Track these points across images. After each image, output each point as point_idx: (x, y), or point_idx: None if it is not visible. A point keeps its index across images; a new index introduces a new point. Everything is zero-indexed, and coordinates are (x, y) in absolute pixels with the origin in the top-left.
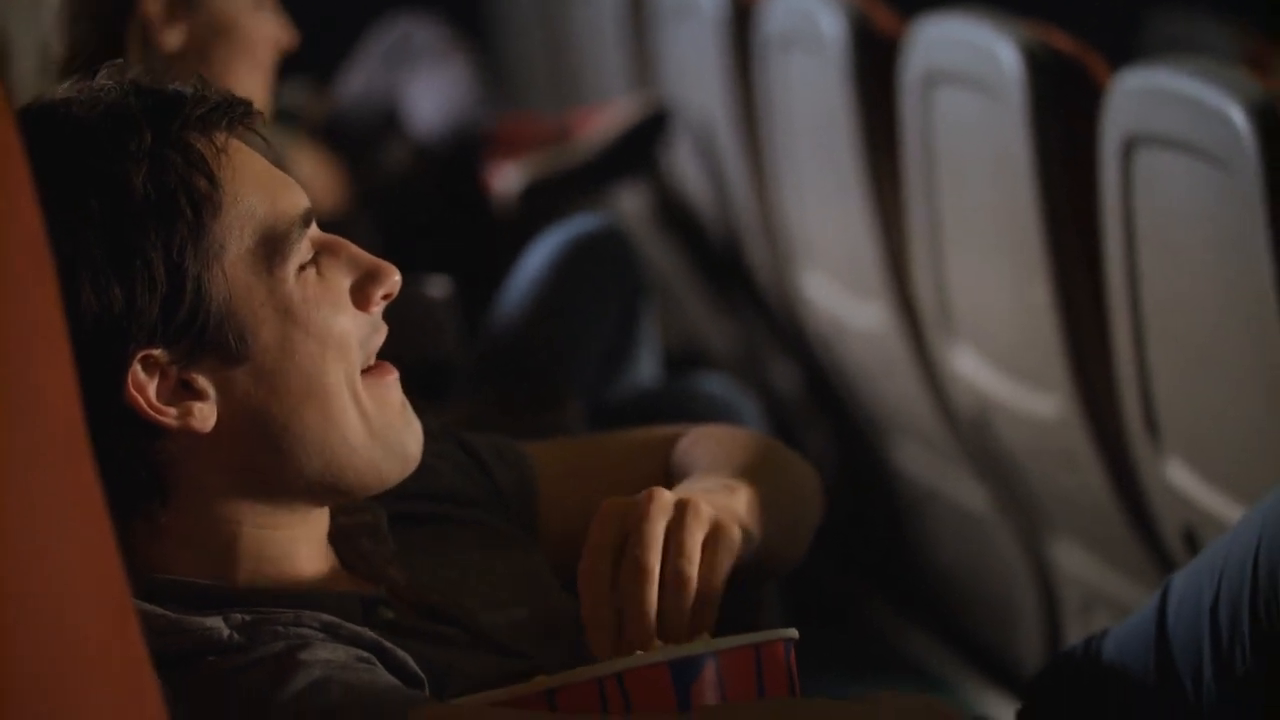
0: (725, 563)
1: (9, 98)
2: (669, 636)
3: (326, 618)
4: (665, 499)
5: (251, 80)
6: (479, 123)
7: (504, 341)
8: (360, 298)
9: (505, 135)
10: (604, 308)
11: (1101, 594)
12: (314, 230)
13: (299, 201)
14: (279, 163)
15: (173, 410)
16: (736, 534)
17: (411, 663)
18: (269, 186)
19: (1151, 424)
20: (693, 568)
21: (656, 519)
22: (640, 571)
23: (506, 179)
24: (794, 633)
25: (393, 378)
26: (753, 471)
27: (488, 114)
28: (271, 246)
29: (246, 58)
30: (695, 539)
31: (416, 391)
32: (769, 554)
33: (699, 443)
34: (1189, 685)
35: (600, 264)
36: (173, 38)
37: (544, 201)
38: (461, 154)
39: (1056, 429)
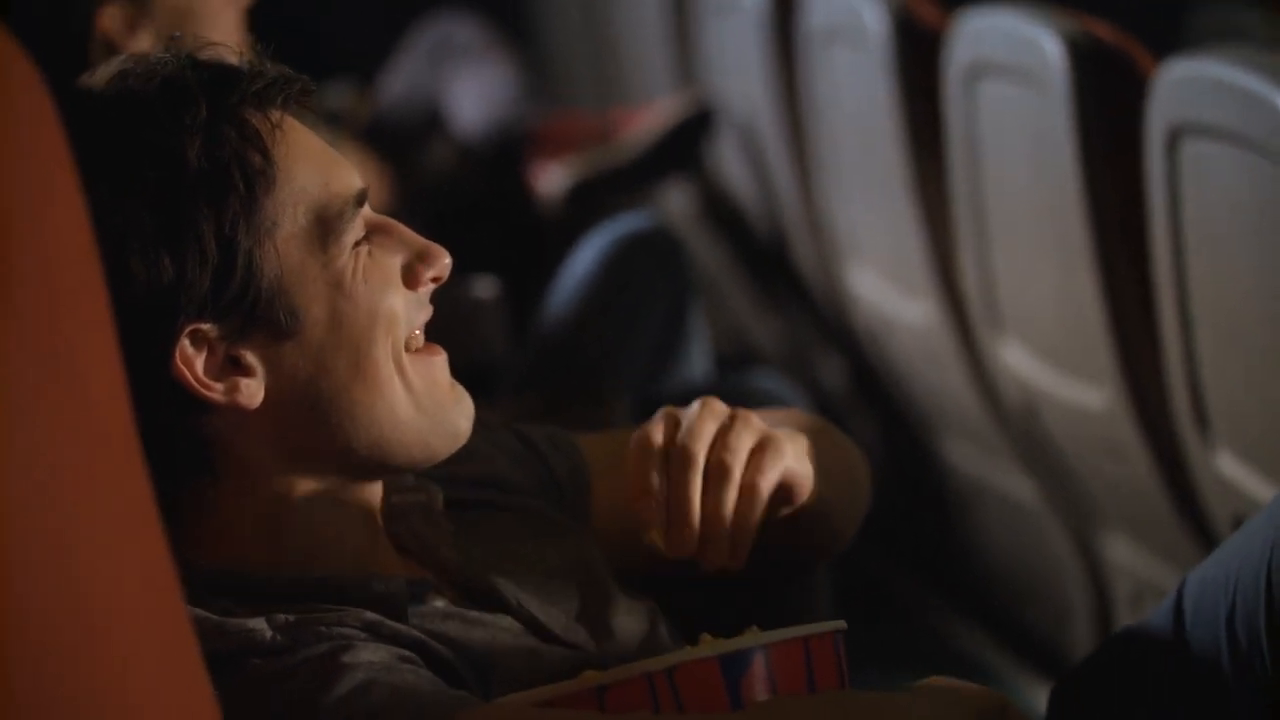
0: (772, 470)
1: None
2: (709, 526)
3: (370, 616)
4: (719, 406)
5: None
6: (521, 120)
7: (553, 340)
8: (410, 277)
9: (550, 134)
10: (652, 306)
11: (1151, 585)
12: (367, 211)
13: (353, 181)
14: (332, 141)
15: (220, 385)
16: (786, 448)
17: (455, 661)
18: (323, 165)
19: (1200, 415)
20: (736, 461)
21: (707, 419)
22: (686, 458)
23: (552, 179)
24: (842, 624)
25: (441, 358)
26: (809, 435)
27: (530, 111)
28: (325, 225)
29: (214, 22)
30: (743, 440)
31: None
32: (824, 514)
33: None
34: (1211, 685)
35: (648, 262)
36: (138, 44)
37: (590, 201)
38: (504, 152)
39: (1104, 421)
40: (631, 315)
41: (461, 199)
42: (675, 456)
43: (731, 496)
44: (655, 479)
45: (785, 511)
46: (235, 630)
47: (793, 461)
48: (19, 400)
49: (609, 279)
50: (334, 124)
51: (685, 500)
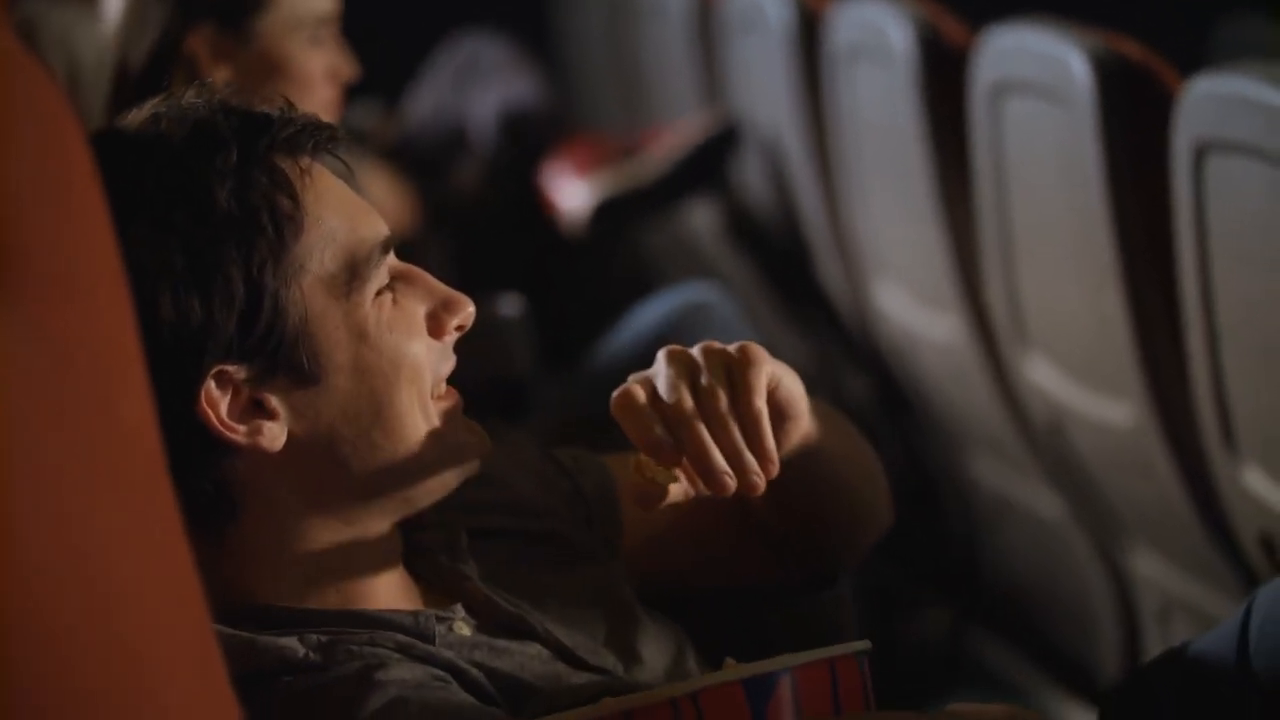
0: (757, 384)
1: (83, 120)
2: (734, 462)
3: (402, 638)
4: (678, 350)
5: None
6: (540, 132)
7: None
8: (434, 326)
9: (575, 153)
10: None
11: (1179, 601)
12: (392, 259)
13: (379, 229)
14: (359, 189)
15: (242, 428)
16: (762, 355)
17: (486, 683)
18: (350, 211)
19: (1228, 431)
20: (721, 393)
21: (676, 365)
22: (680, 414)
23: (577, 198)
24: (867, 645)
25: (459, 402)
26: (825, 416)
27: (550, 123)
28: (351, 271)
29: (301, 93)
30: (717, 370)
31: (489, 409)
32: (835, 478)
33: None
34: (1273, 704)
35: (707, 329)
36: (219, 75)
37: (615, 219)
38: (521, 163)
39: (1131, 437)
40: None
41: (488, 218)
42: (670, 418)
43: (735, 428)
44: (659, 430)
45: (789, 427)
46: (267, 648)
47: (773, 367)
48: (46, 416)
49: (666, 340)
50: (360, 143)
51: (703, 454)
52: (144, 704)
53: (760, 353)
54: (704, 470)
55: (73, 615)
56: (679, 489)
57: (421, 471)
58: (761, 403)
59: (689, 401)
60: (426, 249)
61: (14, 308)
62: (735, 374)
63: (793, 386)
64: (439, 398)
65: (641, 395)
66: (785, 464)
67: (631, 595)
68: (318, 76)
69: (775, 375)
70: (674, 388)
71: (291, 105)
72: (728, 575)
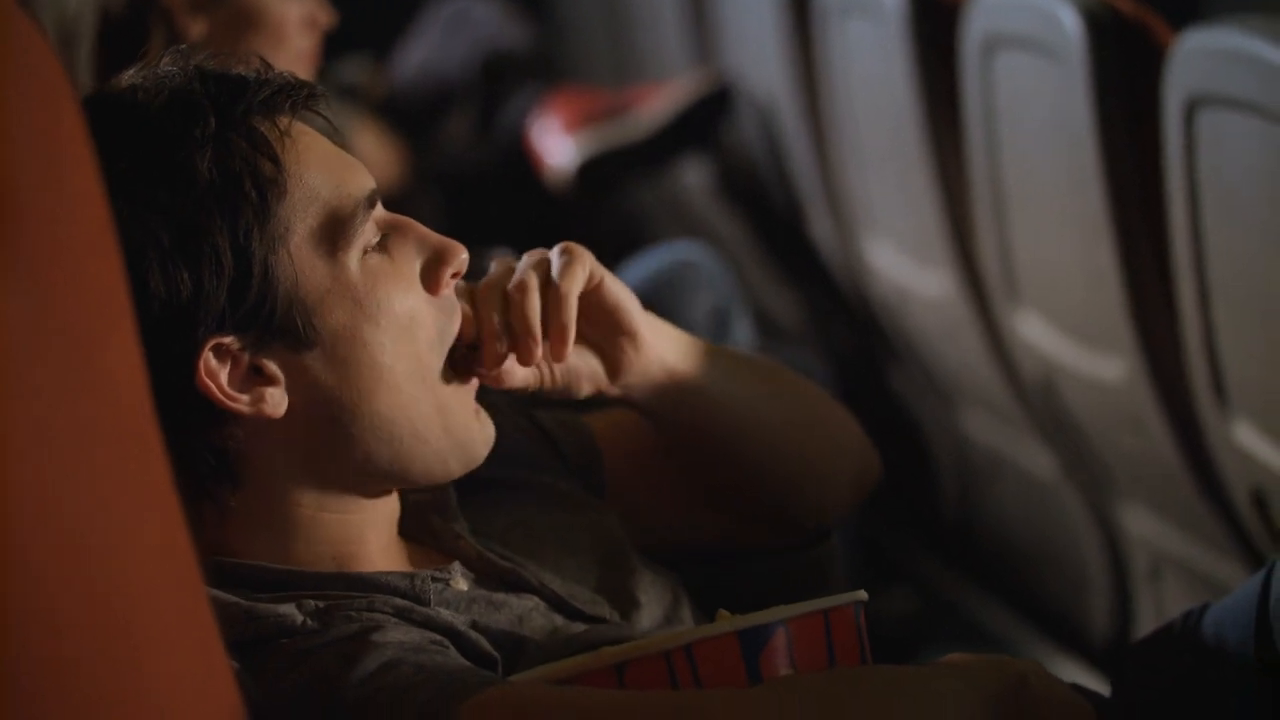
0: (575, 272)
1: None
2: (517, 327)
3: (399, 602)
4: (540, 251)
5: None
6: (523, 73)
7: None
8: (430, 280)
9: (563, 108)
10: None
11: (1170, 558)
12: (380, 211)
13: (364, 182)
14: (343, 144)
15: (245, 397)
16: (587, 259)
17: (485, 643)
18: (333, 168)
19: (1218, 386)
20: (535, 275)
21: (527, 260)
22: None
23: (563, 153)
24: (863, 595)
25: (474, 384)
26: (761, 367)
27: (534, 66)
28: (336, 228)
29: (278, 44)
30: (542, 261)
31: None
32: (762, 439)
33: None
34: None
35: (694, 286)
36: (196, 27)
37: (600, 176)
38: (507, 109)
39: (1123, 393)
40: None
41: (477, 172)
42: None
43: (533, 300)
44: (496, 318)
45: (623, 342)
46: (265, 614)
47: (602, 273)
48: (39, 385)
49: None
50: (350, 99)
51: (510, 317)
52: (133, 667)
53: (581, 252)
54: (486, 334)
55: (62, 581)
56: (525, 373)
57: (422, 450)
58: (567, 286)
59: (515, 279)
60: (417, 204)
61: (6, 265)
62: (555, 263)
63: (619, 294)
64: (454, 379)
65: (491, 280)
66: (653, 396)
67: (627, 542)
68: (294, 25)
69: (596, 274)
70: (522, 269)
71: (268, 66)
72: (710, 536)
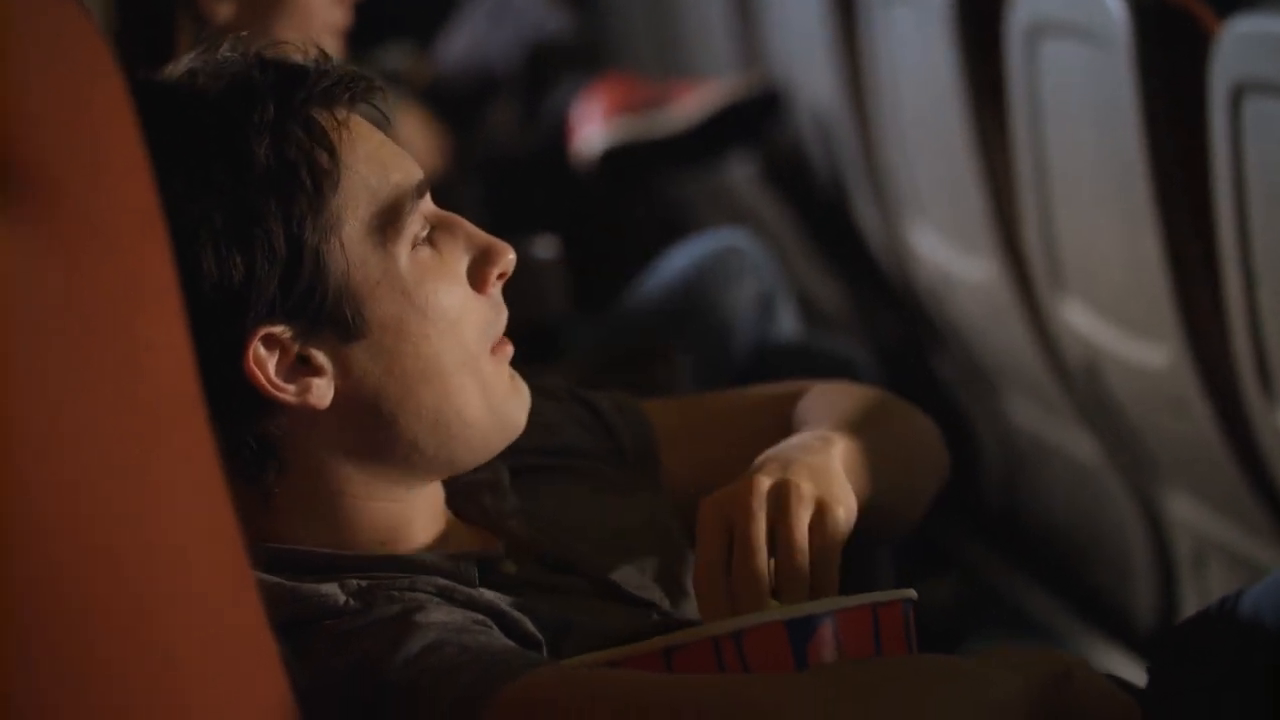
0: (836, 541)
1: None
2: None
3: (442, 582)
4: (762, 489)
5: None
6: (567, 62)
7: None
8: (477, 279)
9: (605, 94)
10: (736, 323)
11: (1215, 544)
12: (429, 205)
13: (412, 173)
14: (393, 134)
15: (291, 387)
16: (841, 511)
17: (529, 624)
18: (384, 160)
19: (1263, 371)
20: (804, 558)
21: (758, 515)
22: (752, 579)
23: (591, 139)
24: (913, 594)
25: (509, 351)
26: (861, 423)
27: (578, 55)
28: (386, 219)
29: (306, 19)
30: (802, 527)
31: (526, 352)
32: (878, 506)
33: (816, 399)
34: None
35: (738, 275)
36: (222, 10)
37: (624, 166)
38: (551, 98)
39: (1167, 378)
40: (718, 335)
41: (521, 159)
42: (740, 579)
43: (804, 594)
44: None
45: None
46: (309, 595)
47: (846, 517)
48: (72, 358)
49: (693, 298)
50: (394, 86)
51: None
52: (177, 638)
53: (840, 516)
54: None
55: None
56: None
57: (468, 434)
58: (834, 562)
59: (762, 566)
60: (460, 191)
61: (41, 238)
62: (815, 529)
63: (851, 506)
64: (494, 351)
65: (718, 574)
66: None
67: (678, 529)
68: (320, 6)
69: (846, 526)
70: (756, 550)
71: (326, 56)
72: None
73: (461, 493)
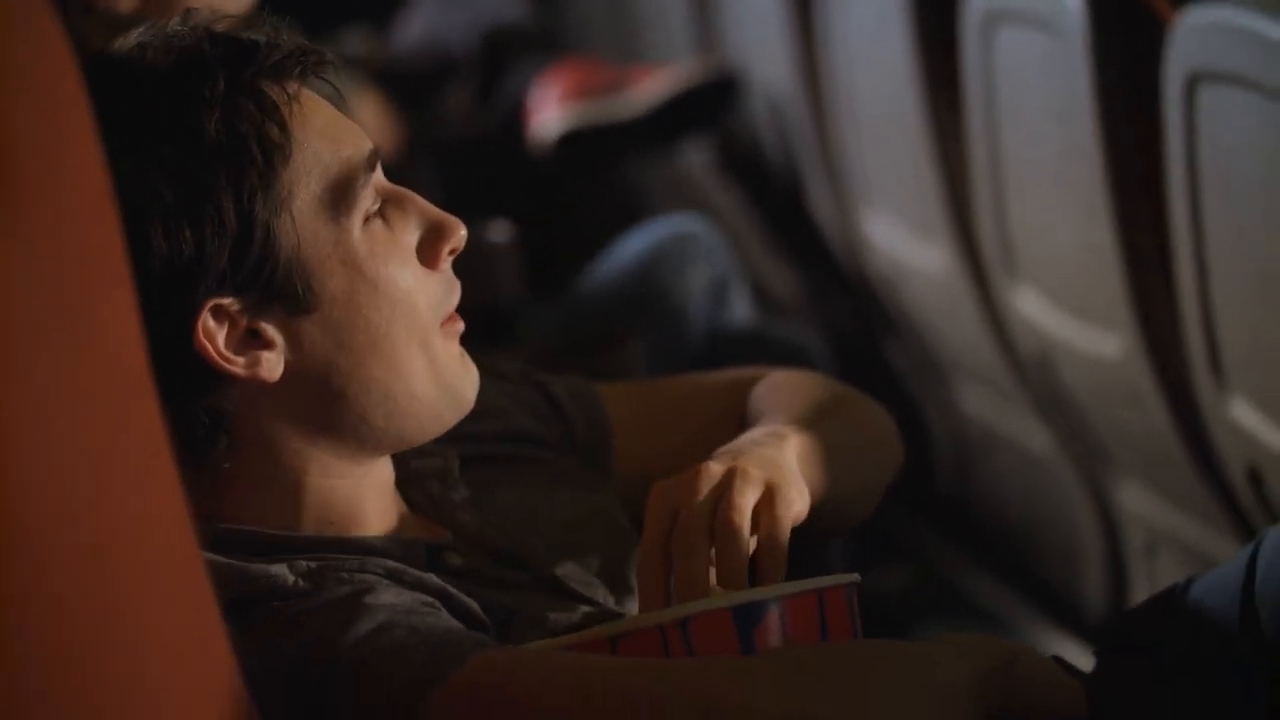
0: (784, 519)
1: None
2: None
3: (391, 564)
4: (711, 474)
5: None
6: (524, 47)
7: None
8: (428, 255)
9: (562, 78)
10: (689, 309)
11: (1166, 534)
12: (381, 179)
13: (363, 146)
14: (346, 110)
15: (241, 360)
16: (792, 493)
17: (476, 608)
18: (335, 133)
19: (1215, 363)
20: (742, 519)
21: (703, 495)
22: (689, 553)
23: (547, 123)
24: (856, 578)
25: (460, 327)
26: (816, 415)
27: (535, 40)
28: (337, 193)
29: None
30: (745, 499)
31: (481, 336)
32: (832, 500)
33: (770, 389)
34: (1276, 647)
35: (692, 259)
36: (125, 2)
37: (580, 151)
38: (506, 82)
39: (1120, 369)
40: (672, 321)
41: (476, 143)
42: (677, 547)
43: (742, 557)
44: (664, 600)
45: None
46: (257, 575)
47: (798, 489)
48: (30, 337)
49: (647, 283)
50: (351, 69)
51: (693, 583)
52: (125, 625)
53: (792, 497)
54: (682, 585)
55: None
56: None
57: (417, 408)
58: (782, 542)
59: (700, 539)
60: (415, 174)
61: (6, 231)
62: (764, 509)
63: (803, 496)
64: (445, 326)
65: (658, 553)
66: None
67: (627, 524)
68: None
69: (801, 512)
70: (697, 518)
71: (278, 30)
72: None
73: (411, 480)
